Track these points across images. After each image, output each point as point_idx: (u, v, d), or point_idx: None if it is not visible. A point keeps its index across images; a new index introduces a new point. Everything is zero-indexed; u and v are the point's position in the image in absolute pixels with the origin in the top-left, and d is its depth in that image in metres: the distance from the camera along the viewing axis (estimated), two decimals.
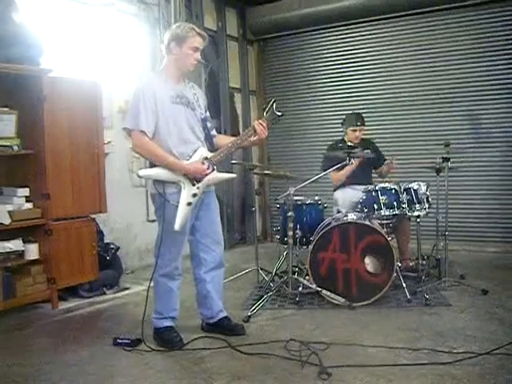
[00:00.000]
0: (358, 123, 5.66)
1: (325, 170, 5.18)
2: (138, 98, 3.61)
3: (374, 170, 5.87)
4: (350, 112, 6.12)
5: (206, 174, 3.66)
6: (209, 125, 3.88)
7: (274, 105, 3.90)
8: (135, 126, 3.59)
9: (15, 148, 4.62)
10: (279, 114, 3.91)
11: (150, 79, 3.86)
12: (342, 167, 5.16)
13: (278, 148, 8.67)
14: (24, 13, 4.79)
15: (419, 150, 7.15)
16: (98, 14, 5.93)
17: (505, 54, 6.87)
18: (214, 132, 4.00)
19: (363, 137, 5.79)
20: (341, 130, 5.92)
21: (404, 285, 4.67)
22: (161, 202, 3.65)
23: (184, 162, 3.63)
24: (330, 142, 5.99)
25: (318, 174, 5.10)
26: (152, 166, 3.66)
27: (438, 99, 7.29)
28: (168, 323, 3.85)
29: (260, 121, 3.84)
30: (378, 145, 5.96)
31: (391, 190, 4.95)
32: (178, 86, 3.77)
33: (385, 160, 5.78)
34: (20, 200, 4.66)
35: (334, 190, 5.73)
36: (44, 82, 4.66)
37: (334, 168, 5.12)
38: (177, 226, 3.56)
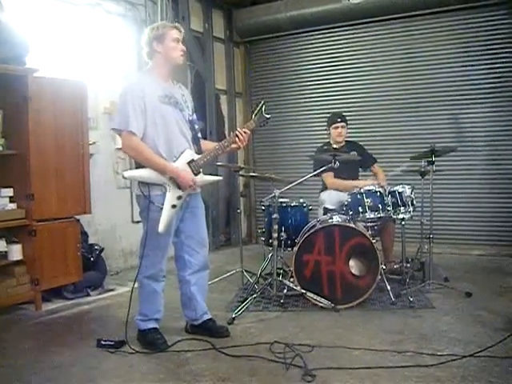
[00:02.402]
0: (339, 119, 5.69)
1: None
2: (126, 98, 3.56)
3: (361, 169, 5.87)
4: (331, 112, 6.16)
5: (191, 186, 3.65)
6: (196, 127, 3.84)
7: (264, 107, 3.88)
8: (125, 127, 3.55)
9: None
10: (268, 116, 3.89)
11: (139, 78, 3.83)
12: (330, 170, 5.15)
13: (264, 150, 8.68)
14: (10, 12, 4.76)
15: (404, 153, 7.18)
16: (85, 13, 5.89)
17: (488, 59, 6.93)
18: (199, 135, 3.95)
19: (349, 139, 5.81)
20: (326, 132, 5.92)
21: (388, 287, 4.69)
22: (145, 203, 3.62)
23: (173, 164, 3.62)
24: (320, 145, 6.00)
25: (304, 177, 5.10)
26: (138, 167, 3.64)
27: (422, 103, 7.34)
28: (152, 325, 3.84)
29: (243, 129, 3.82)
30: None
31: (376, 192, 4.95)
32: (166, 85, 3.74)
33: (375, 160, 5.80)
34: (4, 200, 4.63)
35: (321, 191, 5.74)
36: (29, 81, 4.62)
37: (318, 171, 5.13)
38: (160, 229, 3.54)
